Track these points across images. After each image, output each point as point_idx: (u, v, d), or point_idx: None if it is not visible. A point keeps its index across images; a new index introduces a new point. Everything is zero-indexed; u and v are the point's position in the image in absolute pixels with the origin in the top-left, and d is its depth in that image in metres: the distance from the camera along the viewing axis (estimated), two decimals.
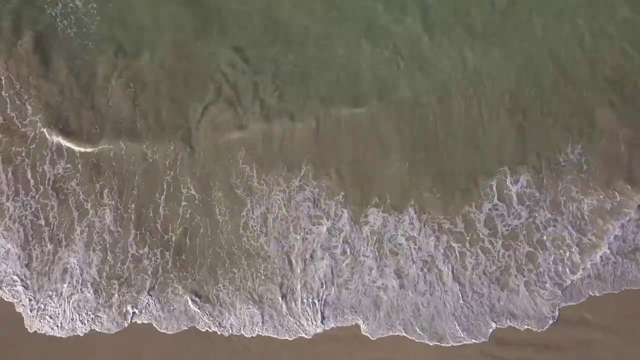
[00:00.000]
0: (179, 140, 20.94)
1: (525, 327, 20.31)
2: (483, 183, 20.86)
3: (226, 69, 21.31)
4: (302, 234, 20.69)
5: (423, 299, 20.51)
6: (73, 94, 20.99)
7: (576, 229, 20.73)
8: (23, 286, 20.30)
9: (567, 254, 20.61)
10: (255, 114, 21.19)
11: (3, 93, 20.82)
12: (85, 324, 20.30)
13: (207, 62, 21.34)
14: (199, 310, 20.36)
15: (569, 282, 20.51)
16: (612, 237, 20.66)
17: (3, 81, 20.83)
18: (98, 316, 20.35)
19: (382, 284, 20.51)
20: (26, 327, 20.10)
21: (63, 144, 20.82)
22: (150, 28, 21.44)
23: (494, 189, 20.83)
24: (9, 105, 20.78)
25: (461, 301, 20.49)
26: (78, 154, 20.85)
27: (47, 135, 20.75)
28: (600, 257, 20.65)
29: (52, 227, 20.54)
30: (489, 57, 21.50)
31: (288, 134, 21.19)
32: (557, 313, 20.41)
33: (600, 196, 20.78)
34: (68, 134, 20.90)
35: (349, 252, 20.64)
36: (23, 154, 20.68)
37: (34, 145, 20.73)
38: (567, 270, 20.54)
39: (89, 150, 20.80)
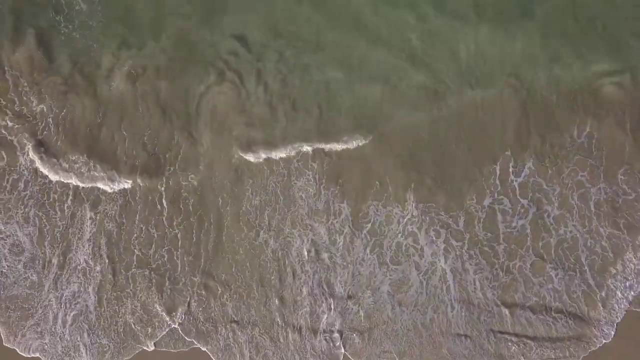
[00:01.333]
0: (180, 129, 21.08)
1: None
2: (487, 170, 20.15)
3: (228, 57, 21.20)
4: (299, 229, 20.56)
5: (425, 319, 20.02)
6: (76, 84, 21.33)
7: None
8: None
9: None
10: (258, 98, 21.06)
11: (10, 95, 21.35)
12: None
13: (208, 51, 21.29)
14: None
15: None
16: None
17: (10, 81, 21.34)
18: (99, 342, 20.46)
19: (380, 301, 20.11)
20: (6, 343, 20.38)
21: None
22: (154, 19, 21.49)
23: (497, 179, 20.14)
24: (16, 101, 21.33)
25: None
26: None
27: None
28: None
29: (66, 219, 20.97)
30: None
31: (290, 117, 20.95)
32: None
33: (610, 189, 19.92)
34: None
35: (348, 263, 20.33)
36: (35, 142, 21.21)
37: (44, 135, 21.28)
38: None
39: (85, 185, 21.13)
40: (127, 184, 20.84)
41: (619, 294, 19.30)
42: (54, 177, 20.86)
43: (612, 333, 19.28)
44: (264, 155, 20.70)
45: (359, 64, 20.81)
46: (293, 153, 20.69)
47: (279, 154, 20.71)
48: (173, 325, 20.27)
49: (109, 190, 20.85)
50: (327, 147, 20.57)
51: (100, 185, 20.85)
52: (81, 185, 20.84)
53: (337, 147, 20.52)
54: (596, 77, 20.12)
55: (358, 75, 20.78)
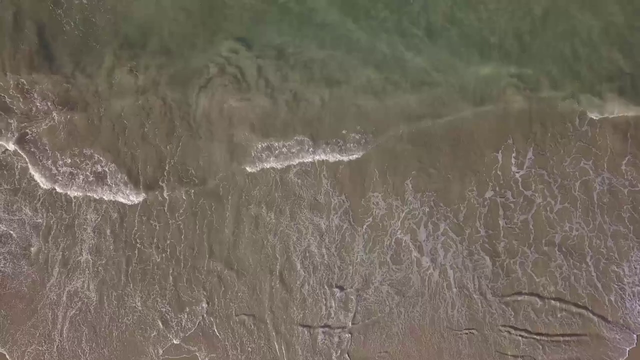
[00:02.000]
0: (180, 121, 21.11)
1: None
2: (489, 160, 20.02)
3: (228, 54, 21.34)
4: (297, 222, 20.37)
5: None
6: (77, 82, 21.42)
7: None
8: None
9: None
10: (259, 90, 21.15)
11: (11, 92, 21.37)
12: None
13: (209, 49, 21.44)
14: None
15: None
16: None
17: (10, 80, 21.40)
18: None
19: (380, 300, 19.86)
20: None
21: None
22: (155, 17, 21.65)
23: (499, 169, 19.99)
24: (20, 101, 21.38)
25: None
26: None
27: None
28: None
29: (72, 212, 20.86)
30: None
31: (291, 109, 21.03)
32: None
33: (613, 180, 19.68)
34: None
35: (347, 263, 20.08)
36: (40, 131, 21.24)
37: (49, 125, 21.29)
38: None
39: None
40: (132, 195, 20.81)
41: (628, 302, 18.96)
42: (45, 184, 20.96)
43: (627, 348, 18.87)
44: (264, 161, 20.78)
45: (357, 72, 21.10)
46: (294, 160, 20.71)
47: (278, 154, 20.79)
48: (175, 341, 20.09)
49: (111, 198, 20.85)
50: (327, 153, 20.66)
51: (95, 194, 20.90)
52: (77, 194, 20.91)
53: (337, 155, 20.59)
54: (597, 83, 20.30)
55: (356, 80, 21.03)
